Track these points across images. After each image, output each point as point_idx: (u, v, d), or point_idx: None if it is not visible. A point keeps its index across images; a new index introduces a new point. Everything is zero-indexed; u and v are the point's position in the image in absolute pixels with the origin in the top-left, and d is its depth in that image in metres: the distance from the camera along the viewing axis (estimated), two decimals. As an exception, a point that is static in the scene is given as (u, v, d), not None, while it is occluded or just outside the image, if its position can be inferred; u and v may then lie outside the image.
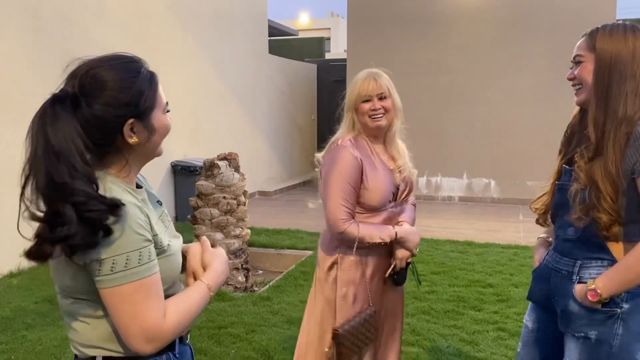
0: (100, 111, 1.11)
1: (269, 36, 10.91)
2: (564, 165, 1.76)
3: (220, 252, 1.35)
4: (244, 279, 4.71)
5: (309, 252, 5.56)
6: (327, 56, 17.66)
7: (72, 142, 1.06)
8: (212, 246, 1.36)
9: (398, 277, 2.22)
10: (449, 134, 8.95)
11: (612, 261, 1.58)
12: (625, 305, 1.58)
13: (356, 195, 2.11)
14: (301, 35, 19.00)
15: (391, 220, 2.19)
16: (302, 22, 32.33)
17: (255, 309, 4.07)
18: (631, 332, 1.58)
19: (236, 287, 4.60)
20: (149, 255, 1.14)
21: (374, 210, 2.14)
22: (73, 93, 1.11)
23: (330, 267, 2.20)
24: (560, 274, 1.71)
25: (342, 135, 2.20)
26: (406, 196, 2.26)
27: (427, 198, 9.15)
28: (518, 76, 8.68)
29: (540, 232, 2.04)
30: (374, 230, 2.11)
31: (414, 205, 2.37)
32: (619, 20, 8.72)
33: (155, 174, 7.07)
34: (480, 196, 9.09)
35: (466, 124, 8.90)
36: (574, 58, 1.67)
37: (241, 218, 4.82)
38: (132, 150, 1.19)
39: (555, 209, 1.77)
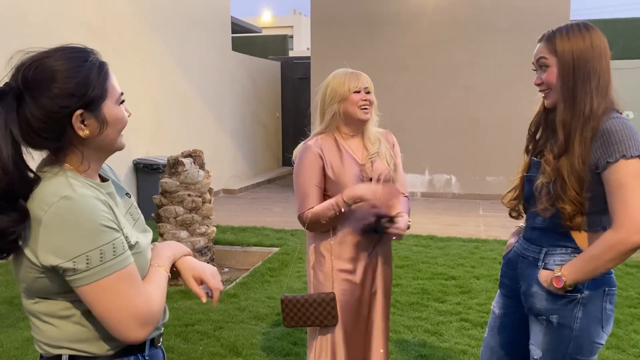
0: (45, 103, 1.07)
1: (232, 33, 10.83)
2: (532, 158, 1.83)
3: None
4: (210, 277, 4.70)
5: (275, 249, 5.58)
6: (291, 54, 17.66)
7: (5, 143, 1.05)
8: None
9: (377, 227, 2.17)
10: (411, 131, 9.10)
11: (576, 249, 1.66)
12: (586, 292, 1.66)
13: (321, 191, 2.26)
14: (264, 32, 18.92)
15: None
16: (265, 20, 32.18)
17: (223, 306, 4.07)
18: (590, 316, 1.66)
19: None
20: (123, 246, 1.13)
21: None
22: (16, 87, 1.08)
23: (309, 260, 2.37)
24: (527, 260, 1.78)
25: (317, 132, 2.33)
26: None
27: (390, 194, 9.28)
28: (476, 74, 8.90)
29: (499, 225, 2.12)
30: (322, 206, 2.21)
31: (407, 197, 2.41)
32: (572, 20, 9.07)
33: (117, 172, 6.90)
34: (441, 192, 9.29)
35: (427, 121, 9.07)
36: (537, 62, 1.72)
37: (206, 216, 4.80)
38: (86, 143, 1.15)
39: (526, 200, 1.84)
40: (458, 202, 8.78)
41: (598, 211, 1.62)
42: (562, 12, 8.70)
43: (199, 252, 4.64)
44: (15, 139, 1.06)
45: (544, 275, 1.70)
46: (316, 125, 2.35)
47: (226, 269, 5.43)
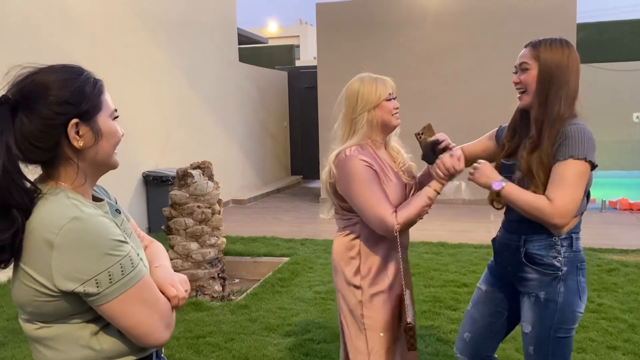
0: (40, 111, 1.09)
1: (239, 44, 10.90)
2: (502, 161, 2.08)
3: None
4: (221, 288, 4.69)
5: (286, 259, 5.56)
6: (297, 63, 17.72)
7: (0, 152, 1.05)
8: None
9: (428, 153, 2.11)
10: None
11: (550, 235, 1.93)
12: (564, 268, 1.94)
13: (386, 192, 2.05)
14: (271, 43, 19.02)
15: None
16: (271, 30, 32.38)
17: (234, 318, 4.06)
18: (570, 290, 1.95)
19: (213, 297, 4.58)
20: (135, 255, 1.14)
21: None
22: (12, 99, 1.09)
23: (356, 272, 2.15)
24: (510, 247, 2.04)
25: (353, 141, 2.11)
26: (416, 189, 2.21)
27: (400, 201, 9.25)
28: (485, 80, 8.88)
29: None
30: (413, 206, 2.03)
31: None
32: (578, 23, 9.00)
33: (126, 185, 6.97)
34: (451, 198, 9.24)
35: (435, 128, 8.93)
36: (520, 65, 1.95)
37: (216, 227, 4.80)
38: (80, 156, 1.15)
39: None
40: (468, 209, 8.73)
41: None
42: (568, 16, 8.68)
43: (209, 264, 4.64)
44: (9, 149, 1.06)
45: (488, 174, 1.94)
46: (339, 134, 2.17)
47: (237, 280, 5.42)
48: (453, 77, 9.05)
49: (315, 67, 10.45)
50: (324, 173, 2.17)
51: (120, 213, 1.31)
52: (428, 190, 2.04)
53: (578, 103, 1.92)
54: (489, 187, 1.94)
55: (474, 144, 2.27)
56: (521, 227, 1.99)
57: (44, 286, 1.08)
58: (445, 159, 2.03)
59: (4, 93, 1.11)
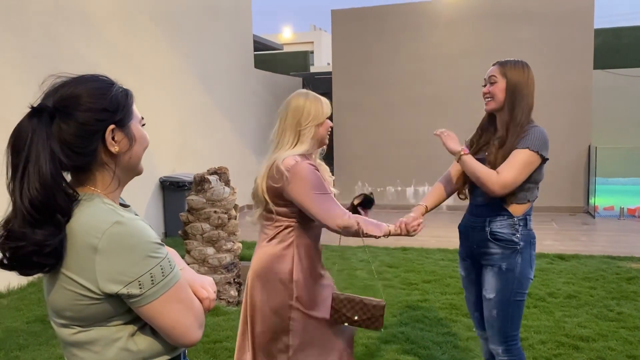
0: (79, 117, 1.12)
1: (254, 51, 10.98)
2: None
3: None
4: (237, 293, 4.71)
5: (301, 265, 5.56)
6: (312, 69, 17.79)
7: (45, 158, 1.07)
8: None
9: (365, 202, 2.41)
10: (435, 144, 9.03)
11: (510, 215, 2.36)
12: (521, 243, 2.36)
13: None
14: (285, 49, 19.12)
15: None
16: (286, 37, 32.54)
17: (250, 323, 4.07)
18: (525, 261, 2.38)
19: (229, 302, 4.60)
20: (171, 257, 1.19)
21: None
22: (51, 106, 1.12)
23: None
24: (476, 228, 2.46)
25: (299, 149, 2.25)
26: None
27: (415, 208, 9.21)
28: (501, 86, 8.82)
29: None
30: (370, 223, 2.22)
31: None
32: (596, 28, 8.91)
33: (143, 190, 7.04)
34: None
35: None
36: (489, 78, 2.43)
37: (232, 232, 4.83)
38: (116, 162, 1.19)
39: (471, 186, 2.51)
40: (484, 215, 8.66)
41: (525, 189, 2.35)
42: (586, 21, 8.61)
43: (225, 269, 4.67)
44: (54, 154, 1.08)
45: (457, 149, 2.41)
46: (282, 141, 2.30)
47: (252, 285, 5.43)
48: (468, 83, 9.00)
49: (329, 73, 10.48)
50: (259, 177, 2.30)
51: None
52: (385, 228, 2.22)
53: (533, 112, 2.40)
54: (453, 152, 2.40)
55: (434, 194, 2.64)
56: (486, 210, 2.42)
57: (87, 289, 1.10)
58: (407, 220, 2.30)
59: (40, 102, 1.14)
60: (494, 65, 2.46)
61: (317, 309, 2.29)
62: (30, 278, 1.20)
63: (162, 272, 1.13)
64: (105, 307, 1.13)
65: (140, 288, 1.10)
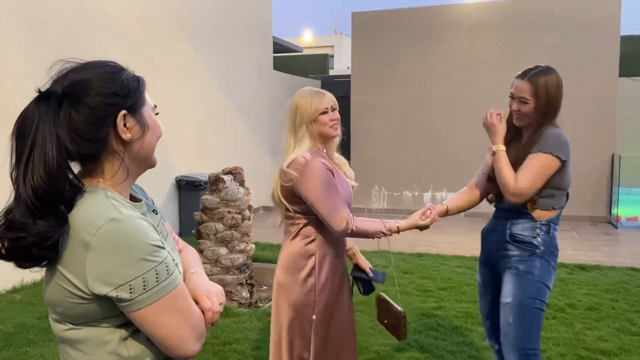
0: (90, 102, 1.07)
1: (274, 53, 10.97)
2: None
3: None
4: (249, 295, 4.66)
5: (314, 268, 5.50)
6: (331, 72, 17.76)
7: (52, 144, 1.02)
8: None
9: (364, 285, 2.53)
10: (454, 149, 8.93)
11: (532, 219, 2.30)
12: (541, 248, 2.29)
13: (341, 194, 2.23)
14: (305, 52, 19.11)
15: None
16: (306, 40, 32.61)
17: (260, 325, 4.01)
18: (544, 267, 2.29)
19: (240, 303, 4.55)
20: (172, 263, 1.09)
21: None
22: (60, 91, 1.07)
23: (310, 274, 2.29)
24: (497, 231, 2.43)
25: (300, 150, 2.26)
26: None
27: (432, 213, 9.09)
28: (522, 91, 8.68)
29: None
30: (370, 225, 2.24)
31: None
32: (622, 35, 8.72)
33: (159, 189, 7.05)
34: (485, 211, 9.01)
35: (471, 138, 8.88)
36: (519, 98, 2.32)
37: (246, 233, 4.78)
38: (127, 149, 1.13)
39: (498, 194, 2.42)
40: (502, 223, 8.51)
41: (548, 195, 2.28)
42: (612, 27, 8.43)
43: (237, 269, 4.62)
44: (60, 141, 1.03)
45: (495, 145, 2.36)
46: (286, 145, 2.34)
47: (264, 287, 5.39)
48: (490, 87, 8.87)
49: (348, 76, 10.42)
50: (273, 181, 2.34)
51: (157, 214, 1.27)
52: (390, 224, 2.24)
53: (557, 119, 2.34)
54: (493, 139, 2.35)
55: (459, 197, 2.57)
56: (510, 214, 2.37)
57: (77, 288, 1.04)
58: (415, 215, 2.34)
59: (48, 87, 1.09)
60: (522, 78, 2.34)
61: (339, 304, 2.33)
62: (43, 273, 1.16)
63: (157, 278, 1.04)
64: (94, 307, 1.06)
65: (131, 292, 1.02)
